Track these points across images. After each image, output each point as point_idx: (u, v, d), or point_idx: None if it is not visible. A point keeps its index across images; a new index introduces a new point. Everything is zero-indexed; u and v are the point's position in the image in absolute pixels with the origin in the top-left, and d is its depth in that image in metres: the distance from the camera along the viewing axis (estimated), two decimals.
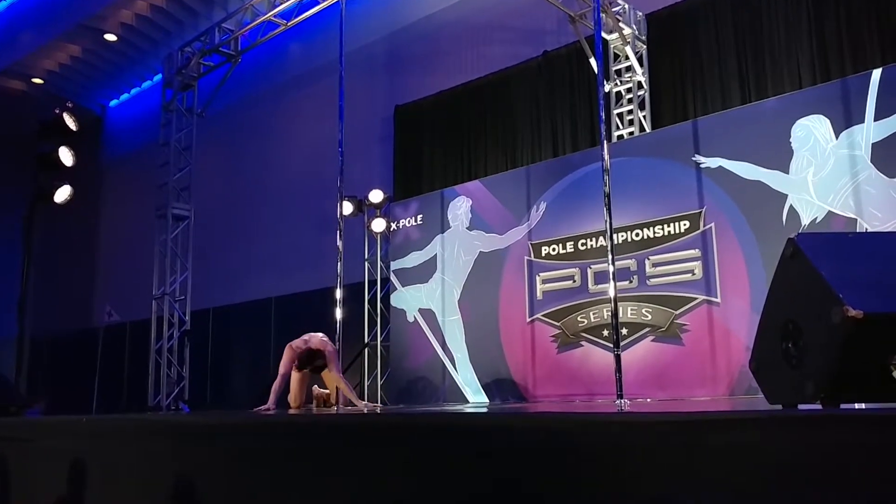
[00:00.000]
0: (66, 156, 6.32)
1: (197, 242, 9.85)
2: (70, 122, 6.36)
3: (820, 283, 1.90)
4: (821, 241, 2.14)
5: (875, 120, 5.68)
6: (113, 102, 16.83)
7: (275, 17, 8.88)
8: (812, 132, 5.97)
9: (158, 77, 13.42)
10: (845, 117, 5.84)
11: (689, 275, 6.51)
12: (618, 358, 4.43)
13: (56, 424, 4.65)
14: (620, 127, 8.54)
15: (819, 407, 1.90)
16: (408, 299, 8.58)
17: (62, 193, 6.41)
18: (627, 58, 8.49)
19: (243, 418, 3.81)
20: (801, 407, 1.99)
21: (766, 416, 1.77)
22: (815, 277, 1.93)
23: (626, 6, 8.44)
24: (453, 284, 8.17)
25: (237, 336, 12.59)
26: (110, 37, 13.96)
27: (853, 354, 1.83)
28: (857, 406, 2.03)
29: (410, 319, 8.51)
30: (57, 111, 6.42)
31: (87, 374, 11.62)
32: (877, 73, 5.77)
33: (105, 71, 15.32)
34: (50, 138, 6.36)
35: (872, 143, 5.68)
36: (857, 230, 5.62)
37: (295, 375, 6.10)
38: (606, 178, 4.77)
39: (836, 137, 5.87)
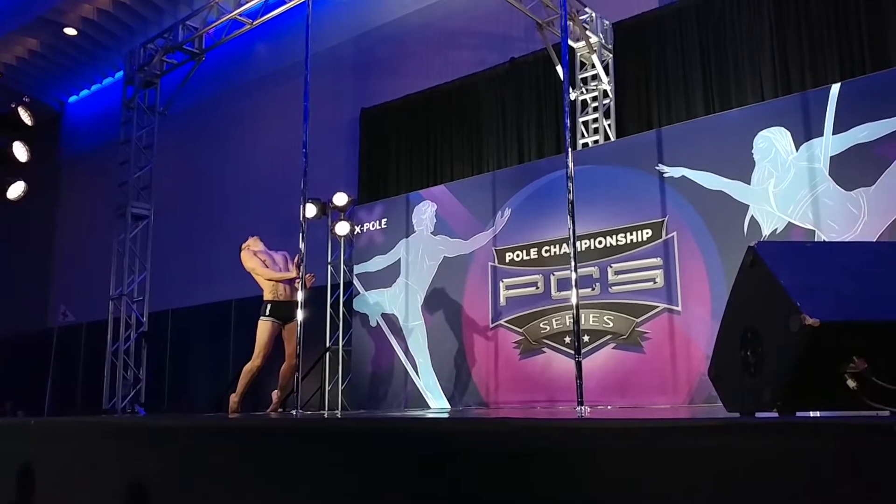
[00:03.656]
0: (20, 151, 6.14)
1: (156, 243, 9.67)
2: (25, 117, 6.18)
3: (779, 292, 1.91)
4: (780, 249, 2.15)
5: (833, 133, 5.80)
6: (72, 98, 16.47)
7: (240, 15, 8.77)
8: (773, 144, 6.07)
9: (120, 74, 13.19)
10: (805, 130, 5.95)
11: (651, 283, 6.56)
12: (579, 365, 4.43)
13: (3, 427, 4.52)
14: (585, 135, 8.61)
15: (775, 414, 1.92)
16: (370, 304, 8.52)
17: (15, 190, 6.22)
18: (594, 66, 8.56)
19: (198, 421, 3.74)
20: (758, 414, 1.99)
21: (722, 423, 1.77)
22: (774, 285, 1.94)
23: (594, 14, 8.51)
24: (417, 289, 8.13)
25: (196, 339, 12.38)
26: (70, 31, 13.65)
27: (810, 362, 1.84)
28: (812, 414, 2.04)
29: (373, 324, 8.45)
30: (13, 105, 6.24)
31: (40, 376, 11.32)
32: (835, 88, 5.89)
33: (64, 66, 14.98)
34: (3, 133, 6.18)
35: (831, 157, 5.80)
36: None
37: (268, 328, 6.05)
38: (571, 185, 4.78)
39: (797, 150, 5.98)
